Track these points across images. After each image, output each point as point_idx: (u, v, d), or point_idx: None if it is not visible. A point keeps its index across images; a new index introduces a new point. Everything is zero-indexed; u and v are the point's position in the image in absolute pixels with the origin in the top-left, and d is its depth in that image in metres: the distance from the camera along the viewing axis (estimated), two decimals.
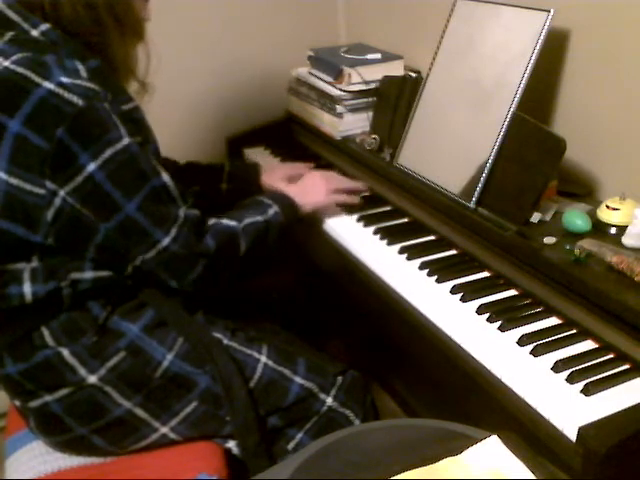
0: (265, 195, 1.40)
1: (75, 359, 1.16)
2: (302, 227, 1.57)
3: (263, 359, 1.27)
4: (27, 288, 1.12)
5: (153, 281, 1.21)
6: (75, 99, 1.04)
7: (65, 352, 1.16)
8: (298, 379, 1.28)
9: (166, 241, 1.14)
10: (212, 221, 1.25)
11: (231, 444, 1.27)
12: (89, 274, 1.15)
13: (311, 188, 1.48)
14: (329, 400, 1.29)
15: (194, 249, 1.18)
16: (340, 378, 1.32)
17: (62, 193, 1.07)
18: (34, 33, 1.09)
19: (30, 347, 1.16)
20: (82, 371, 1.16)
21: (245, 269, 1.31)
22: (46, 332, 1.16)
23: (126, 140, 1.09)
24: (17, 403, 1.23)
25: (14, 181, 1.06)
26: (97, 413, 1.18)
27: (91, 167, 1.06)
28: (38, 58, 1.06)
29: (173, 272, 1.19)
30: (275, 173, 1.61)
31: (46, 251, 1.12)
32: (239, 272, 1.30)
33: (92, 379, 1.17)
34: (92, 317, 1.18)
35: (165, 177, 1.15)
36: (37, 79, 1.04)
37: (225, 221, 1.27)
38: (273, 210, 1.34)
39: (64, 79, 1.05)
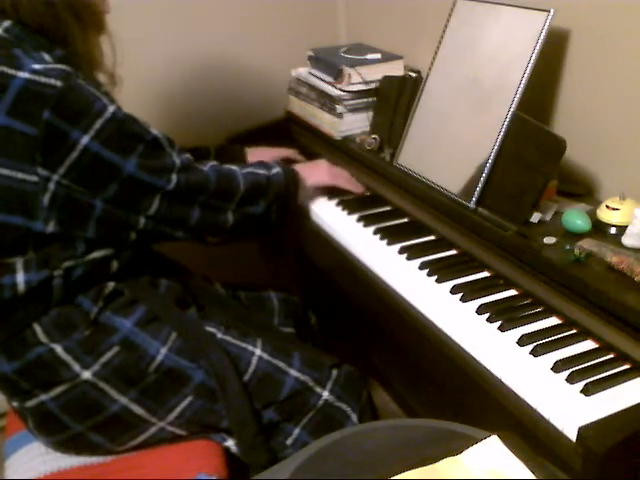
0: (270, 159, 1.47)
1: (69, 355, 1.17)
2: (301, 226, 1.57)
3: (258, 352, 1.28)
4: (20, 277, 1.14)
5: (154, 244, 1.28)
6: (53, 81, 1.07)
7: (58, 348, 1.16)
8: (293, 372, 1.28)
9: (169, 187, 1.19)
10: (212, 162, 1.31)
11: (230, 443, 1.28)
12: (81, 259, 1.17)
13: (315, 167, 1.54)
14: (325, 394, 1.30)
15: (196, 182, 1.23)
16: (335, 372, 1.32)
17: (55, 177, 1.09)
18: None
19: (23, 345, 1.17)
20: (76, 367, 1.17)
21: (245, 221, 1.34)
22: (38, 329, 1.17)
23: (111, 108, 1.13)
24: (15, 404, 1.23)
25: (5, 172, 1.08)
26: (93, 410, 1.19)
27: (84, 140, 1.09)
28: (6, 52, 1.09)
29: (177, 217, 1.22)
30: (260, 153, 1.64)
31: (43, 240, 1.14)
32: (239, 221, 1.32)
33: (86, 375, 1.17)
34: (83, 312, 1.19)
35: (154, 130, 1.19)
36: (11, 71, 1.07)
37: (225, 165, 1.33)
38: (276, 170, 1.39)
39: (36, 66, 1.08)
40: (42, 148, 1.07)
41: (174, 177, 1.19)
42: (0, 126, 1.07)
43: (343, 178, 1.56)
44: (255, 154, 1.65)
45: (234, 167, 1.33)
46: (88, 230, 1.15)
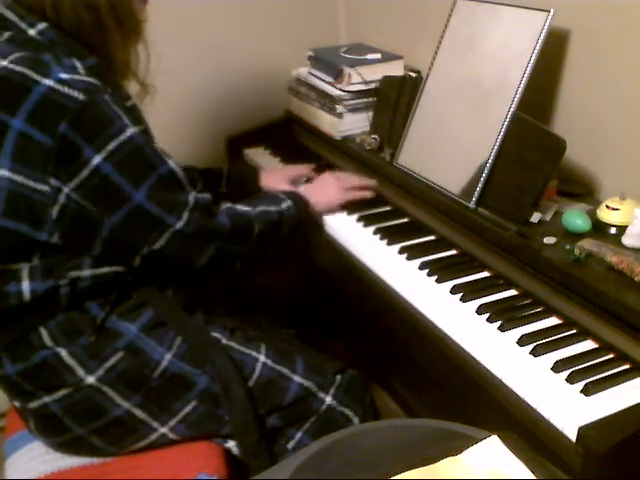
0: (279, 191, 1.42)
1: (73, 360, 1.16)
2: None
3: (262, 358, 1.27)
4: (25, 286, 1.12)
5: (158, 272, 1.22)
6: (76, 94, 1.04)
7: (63, 353, 1.16)
8: (297, 378, 1.28)
9: (179, 225, 1.15)
10: (226, 204, 1.27)
11: (231, 444, 1.27)
12: (88, 272, 1.15)
13: (323, 188, 1.50)
14: (328, 399, 1.29)
15: (208, 227, 1.20)
16: (339, 377, 1.32)
17: (66, 190, 1.07)
18: (31, 32, 1.09)
19: (28, 348, 1.16)
20: (80, 372, 1.16)
21: (257, 259, 1.33)
22: (44, 332, 1.16)
23: (130, 130, 1.09)
24: (16, 404, 1.23)
25: (18, 179, 1.07)
26: (96, 414, 1.18)
27: (96, 160, 1.06)
28: (36, 57, 1.07)
29: (186, 254, 1.20)
30: (276, 175, 1.62)
31: (49, 250, 1.12)
32: (251, 261, 1.31)
33: (90, 380, 1.17)
34: (90, 317, 1.18)
35: (172, 163, 1.16)
36: (36, 77, 1.04)
37: (239, 206, 1.29)
38: (286, 204, 1.36)
39: (63, 75, 1.05)
40: (55, 160, 1.05)
41: (185, 215, 1.15)
42: (18, 131, 1.05)
43: (352, 190, 1.51)
44: (268, 175, 1.61)
45: (247, 207, 1.29)
46: (93, 248, 1.13)
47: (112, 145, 1.07)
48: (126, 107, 1.13)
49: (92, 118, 1.06)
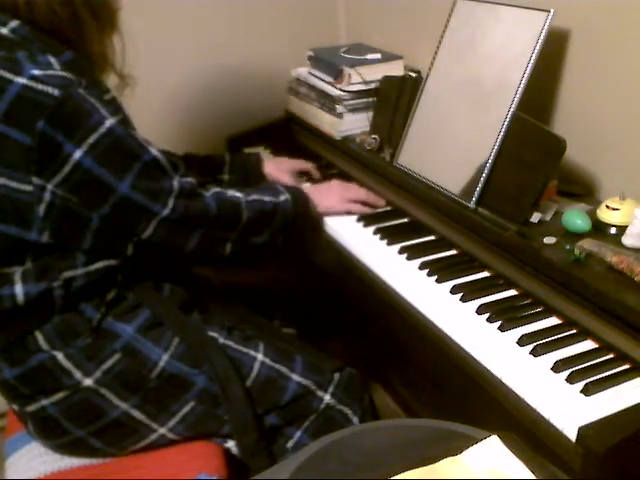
0: (279, 184, 1.42)
1: (70, 362, 1.16)
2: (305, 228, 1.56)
3: (260, 357, 1.27)
4: (19, 289, 1.12)
5: (149, 261, 1.21)
6: (50, 89, 1.03)
7: (60, 356, 1.15)
8: (295, 377, 1.28)
9: (165, 212, 1.15)
10: (215, 189, 1.26)
11: (230, 444, 1.27)
12: (81, 270, 1.15)
13: (327, 192, 1.49)
14: (327, 397, 1.29)
15: (194, 212, 1.19)
16: (337, 375, 1.32)
17: (50, 187, 1.07)
18: (4, 31, 1.08)
19: (24, 352, 1.16)
20: (77, 374, 1.16)
21: (246, 250, 1.31)
22: (40, 336, 1.15)
23: (108, 122, 1.08)
24: (15, 407, 1.23)
25: (0, 180, 1.06)
26: (94, 415, 1.18)
27: (77, 154, 1.06)
28: (9, 56, 1.06)
29: (174, 240, 1.19)
30: (280, 165, 1.62)
31: (40, 250, 1.12)
32: (239, 250, 1.30)
33: (88, 382, 1.16)
34: (86, 319, 1.17)
35: (154, 150, 1.15)
36: (9, 76, 1.04)
37: (229, 191, 1.28)
38: (284, 197, 1.35)
39: (35, 72, 1.04)
40: (37, 158, 1.04)
41: (171, 202, 1.15)
42: None
43: (357, 203, 1.50)
44: (272, 164, 1.62)
45: (239, 194, 1.29)
46: (84, 242, 1.13)
47: (92, 138, 1.06)
48: (104, 100, 1.12)
49: (69, 113, 1.05)
